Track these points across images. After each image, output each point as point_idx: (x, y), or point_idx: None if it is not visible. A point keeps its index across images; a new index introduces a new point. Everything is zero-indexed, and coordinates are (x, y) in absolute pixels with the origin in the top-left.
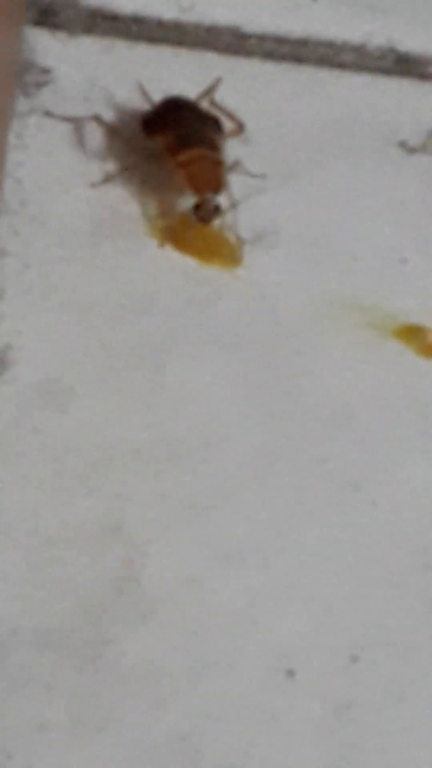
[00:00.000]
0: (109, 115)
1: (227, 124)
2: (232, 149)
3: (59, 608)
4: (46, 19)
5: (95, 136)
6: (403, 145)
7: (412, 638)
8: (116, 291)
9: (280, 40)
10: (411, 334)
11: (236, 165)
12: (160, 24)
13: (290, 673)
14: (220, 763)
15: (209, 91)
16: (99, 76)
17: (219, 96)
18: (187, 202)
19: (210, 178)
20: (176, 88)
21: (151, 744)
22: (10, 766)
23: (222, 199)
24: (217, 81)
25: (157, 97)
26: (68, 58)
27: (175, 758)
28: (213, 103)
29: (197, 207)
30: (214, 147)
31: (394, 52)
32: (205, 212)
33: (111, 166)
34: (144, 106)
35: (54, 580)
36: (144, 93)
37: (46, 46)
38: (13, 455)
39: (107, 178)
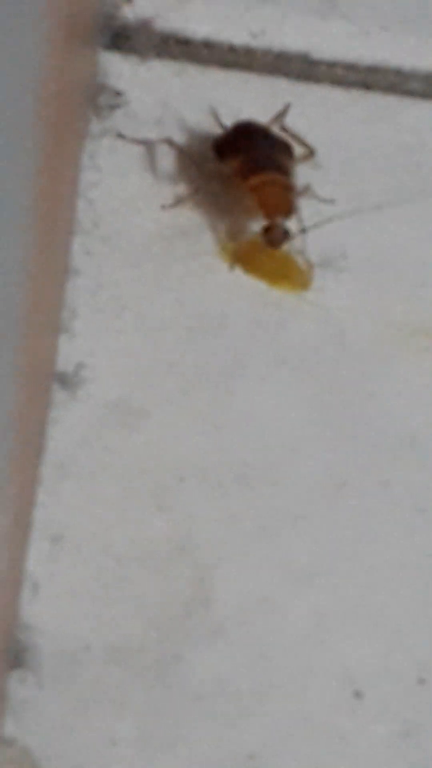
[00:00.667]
0: (180, 138)
1: (298, 149)
2: (302, 174)
3: (129, 626)
4: (119, 43)
5: (167, 158)
6: None
7: None
8: (186, 312)
9: (349, 67)
10: None
11: (306, 189)
12: (231, 49)
13: (358, 695)
14: None
15: (279, 116)
16: (170, 99)
17: (289, 121)
18: (257, 225)
19: (280, 202)
20: (246, 113)
21: (219, 762)
22: None
23: (292, 223)
24: (287, 106)
25: (228, 121)
26: (140, 82)
27: None
28: (283, 128)
29: (267, 230)
30: (285, 171)
31: None
32: (275, 236)
33: (182, 189)
34: (215, 130)
35: (124, 598)
36: (216, 117)
37: (119, 70)
38: (84, 474)
39: (178, 201)
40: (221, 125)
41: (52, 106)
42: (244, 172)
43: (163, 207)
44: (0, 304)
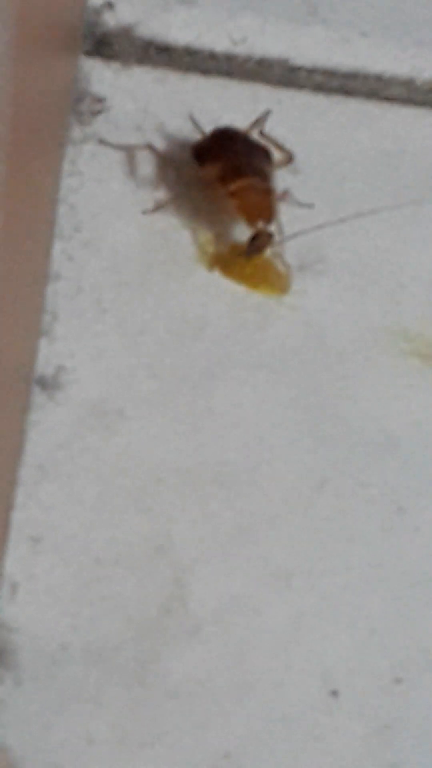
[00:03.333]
0: (160, 144)
1: (276, 155)
2: (281, 179)
3: (108, 625)
4: (101, 49)
5: (147, 164)
6: None
7: None
8: (166, 316)
9: (329, 73)
10: None
11: (285, 194)
12: (212, 56)
13: (334, 694)
14: None
15: (259, 122)
16: (151, 105)
17: (269, 127)
18: (237, 229)
19: (261, 207)
20: (227, 119)
21: (196, 761)
22: None
23: (271, 228)
24: (267, 113)
25: (208, 127)
26: (122, 88)
27: None
28: (262, 134)
29: (253, 239)
30: (264, 177)
31: None
32: (260, 244)
33: (163, 194)
34: (195, 136)
35: (103, 597)
36: (195, 123)
37: (101, 76)
38: (64, 475)
39: (159, 206)
40: (200, 131)
41: (19, 110)
42: (224, 178)
43: (144, 212)
44: None
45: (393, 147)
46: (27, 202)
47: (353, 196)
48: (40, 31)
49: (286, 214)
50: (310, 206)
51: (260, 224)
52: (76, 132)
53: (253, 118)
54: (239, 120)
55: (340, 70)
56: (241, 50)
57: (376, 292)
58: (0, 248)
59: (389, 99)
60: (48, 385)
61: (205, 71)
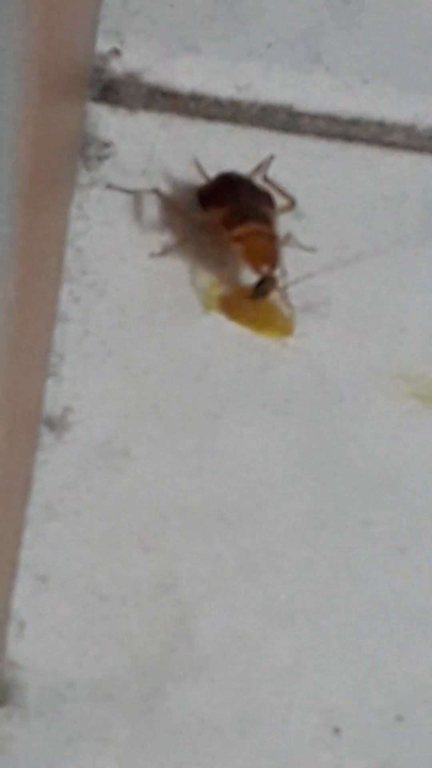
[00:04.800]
0: (166, 188)
1: (279, 200)
2: (285, 223)
3: (113, 663)
4: (108, 95)
5: (153, 208)
6: None
7: None
8: (171, 357)
9: (332, 119)
10: None
11: (288, 238)
12: (217, 102)
13: (336, 731)
14: None
15: (262, 167)
16: (157, 150)
17: (272, 172)
18: (242, 272)
19: (265, 252)
20: (231, 164)
21: None
22: None
23: (276, 272)
24: (270, 158)
25: (212, 172)
26: (128, 133)
27: None
28: (265, 178)
29: (258, 284)
30: (268, 222)
31: None
32: (266, 287)
33: (168, 238)
34: (199, 181)
35: (108, 635)
36: (200, 168)
37: (107, 121)
38: (70, 513)
39: (166, 250)
40: (204, 175)
41: (32, 156)
42: (229, 223)
43: (151, 255)
44: None
45: (394, 192)
46: (40, 245)
47: (355, 240)
48: (55, 77)
49: (289, 257)
50: (312, 250)
51: (265, 269)
52: (84, 176)
53: (257, 163)
54: (243, 165)
55: (342, 116)
56: (245, 96)
57: (378, 334)
58: (19, 290)
59: (391, 145)
60: (55, 425)
61: (210, 117)
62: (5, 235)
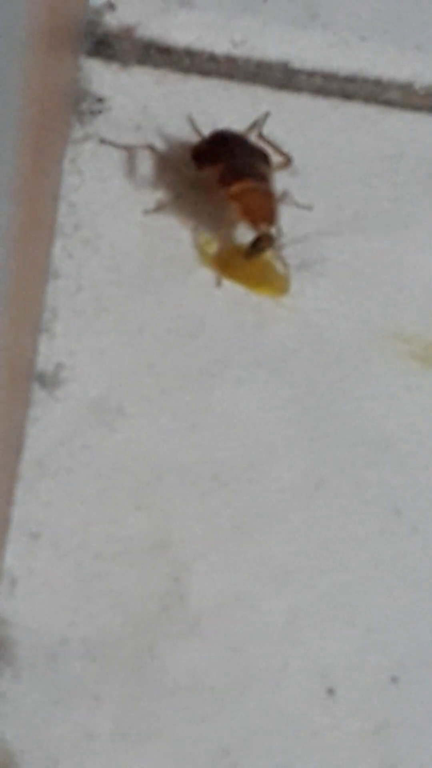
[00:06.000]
0: (160, 145)
1: (275, 157)
2: (281, 181)
3: (106, 621)
4: (101, 49)
5: (147, 164)
6: None
7: None
8: (165, 315)
9: (328, 77)
10: None
11: (284, 196)
12: (212, 58)
13: (331, 692)
14: None
15: (258, 125)
16: (151, 106)
17: (268, 130)
18: (237, 229)
19: (263, 210)
20: (226, 121)
21: (194, 756)
22: None
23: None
24: (266, 115)
25: (207, 129)
26: (122, 88)
27: None
28: (261, 136)
29: (256, 241)
30: (264, 179)
31: None
32: (263, 245)
33: (163, 194)
34: (194, 138)
35: (101, 593)
36: (193, 125)
37: (101, 76)
38: (63, 471)
39: (160, 206)
40: (199, 133)
41: (34, 110)
42: (225, 180)
43: (145, 212)
44: None
45: (391, 150)
46: (34, 200)
47: (352, 198)
48: (50, 30)
49: (285, 215)
50: (309, 208)
51: (262, 227)
52: (77, 131)
53: (252, 120)
54: (238, 122)
55: (339, 73)
56: (241, 52)
57: (375, 293)
58: (18, 244)
59: (388, 103)
60: (48, 381)
61: (205, 73)
62: (9, 189)
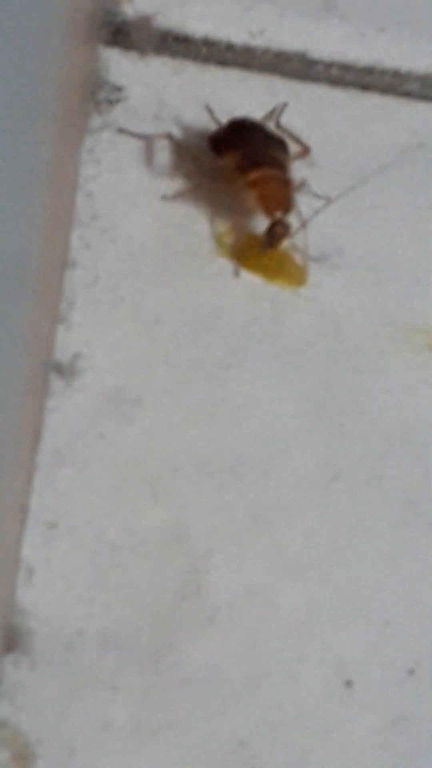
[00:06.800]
0: (178, 134)
1: (293, 147)
2: (298, 172)
3: (123, 612)
4: (119, 38)
5: (165, 153)
6: None
7: None
8: (182, 305)
9: (346, 68)
10: None
11: (302, 186)
12: (230, 47)
13: (348, 684)
14: None
15: (275, 115)
16: (169, 95)
17: (285, 120)
18: (255, 220)
19: (280, 197)
20: (243, 111)
21: (210, 747)
22: (73, 764)
23: (290, 219)
24: (283, 105)
25: (224, 118)
26: (139, 78)
27: (233, 763)
28: (279, 126)
29: (270, 228)
30: (282, 168)
31: None
32: (278, 235)
33: (180, 184)
34: (211, 127)
35: (118, 584)
36: (211, 113)
37: (119, 65)
38: (80, 461)
39: (177, 195)
40: (216, 121)
41: (63, 99)
42: (243, 168)
43: (163, 198)
44: (12, 293)
45: (409, 141)
46: (57, 189)
47: (369, 189)
48: (72, 21)
49: (302, 205)
50: (327, 199)
51: (278, 215)
52: (95, 120)
53: (270, 110)
54: (255, 112)
55: (357, 64)
56: (258, 42)
57: (392, 285)
58: (45, 235)
59: (406, 94)
60: (65, 371)
61: (223, 63)
62: (41, 179)
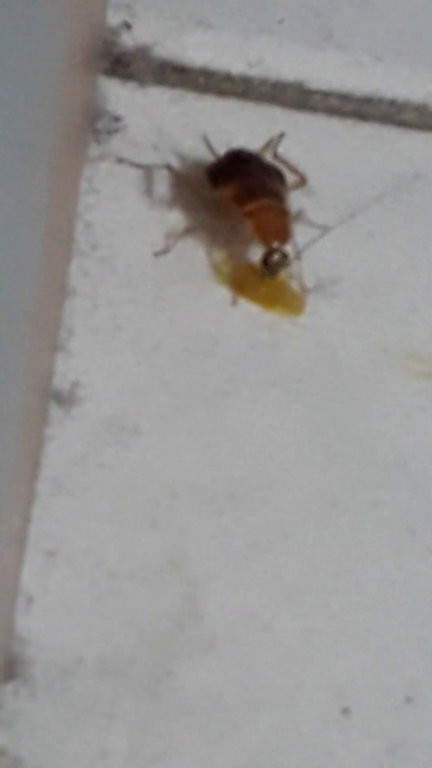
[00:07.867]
0: (175, 164)
1: (290, 177)
2: (295, 201)
3: (121, 639)
4: (118, 69)
5: (163, 183)
6: None
7: None
8: (180, 333)
9: (343, 97)
10: None
11: (299, 215)
12: (228, 77)
13: (346, 711)
14: None
15: (273, 144)
16: (167, 125)
17: (283, 150)
18: (252, 249)
19: (277, 227)
20: (241, 140)
21: None
22: None
23: (287, 249)
24: (281, 135)
25: (223, 148)
26: (138, 107)
27: None
28: (276, 156)
29: (267, 257)
30: (279, 198)
31: None
32: (275, 263)
33: (178, 214)
34: (209, 157)
35: (116, 611)
36: (208, 145)
37: (118, 95)
38: (78, 489)
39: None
40: (213, 152)
41: (61, 129)
42: (240, 199)
43: (155, 254)
44: (11, 322)
45: (406, 171)
46: (56, 219)
47: (366, 219)
48: (72, 51)
49: (299, 235)
50: (324, 227)
51: (275, 244)
52: (93, 150)
53: (267, 140)
54: (253, 141)
55: (354, 94)
56: (256, 72)
57: (389, 313)
58: (44, 266)
59: (403, 123)
60: (64, 400)
61: (221, 92)
62: (40, 209)
